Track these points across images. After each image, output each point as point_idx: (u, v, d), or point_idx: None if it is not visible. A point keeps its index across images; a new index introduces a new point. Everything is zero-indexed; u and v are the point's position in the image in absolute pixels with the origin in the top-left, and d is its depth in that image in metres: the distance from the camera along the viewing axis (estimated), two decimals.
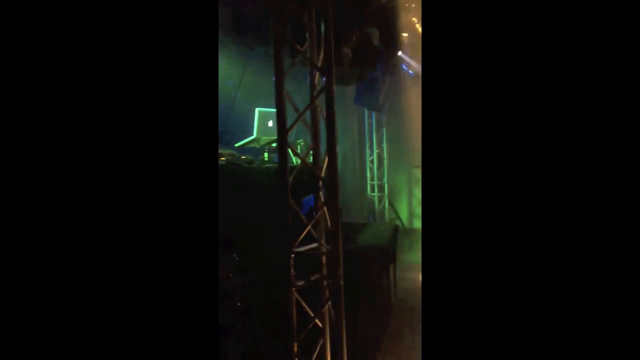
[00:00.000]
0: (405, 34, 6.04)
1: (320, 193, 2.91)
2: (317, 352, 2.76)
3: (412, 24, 6.03)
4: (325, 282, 2.80)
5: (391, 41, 5.36)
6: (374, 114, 7.76)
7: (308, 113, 2.86)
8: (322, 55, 2.75)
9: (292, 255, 2.67)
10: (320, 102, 2.76)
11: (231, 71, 5.13)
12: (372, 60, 4.97)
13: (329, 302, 2.74)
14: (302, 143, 4.54)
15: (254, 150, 4.55)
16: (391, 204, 8.01)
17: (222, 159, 3.93)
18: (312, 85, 2.89)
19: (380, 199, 7.99)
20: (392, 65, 6.32)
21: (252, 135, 4.40)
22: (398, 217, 7.99)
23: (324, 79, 2.70)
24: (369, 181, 7.93)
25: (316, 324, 2.75)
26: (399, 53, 6.54)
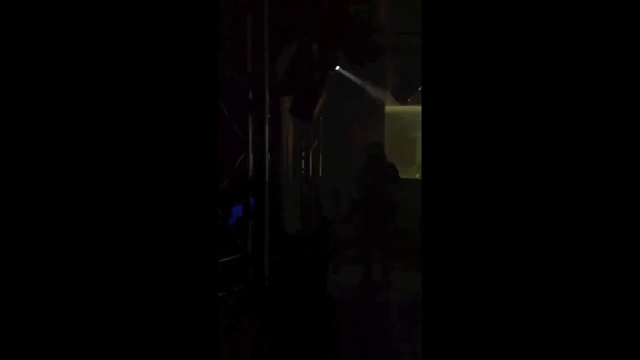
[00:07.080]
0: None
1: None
2: None
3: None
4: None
5: (330, 54, 5.33)
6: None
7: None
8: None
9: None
10: None
11: None
12: (309, 71, 4.95)
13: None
14: None
15: None
16: None
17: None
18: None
19: None
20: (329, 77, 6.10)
21: None
22: None
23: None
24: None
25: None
26: (337, 67, 6.29)
